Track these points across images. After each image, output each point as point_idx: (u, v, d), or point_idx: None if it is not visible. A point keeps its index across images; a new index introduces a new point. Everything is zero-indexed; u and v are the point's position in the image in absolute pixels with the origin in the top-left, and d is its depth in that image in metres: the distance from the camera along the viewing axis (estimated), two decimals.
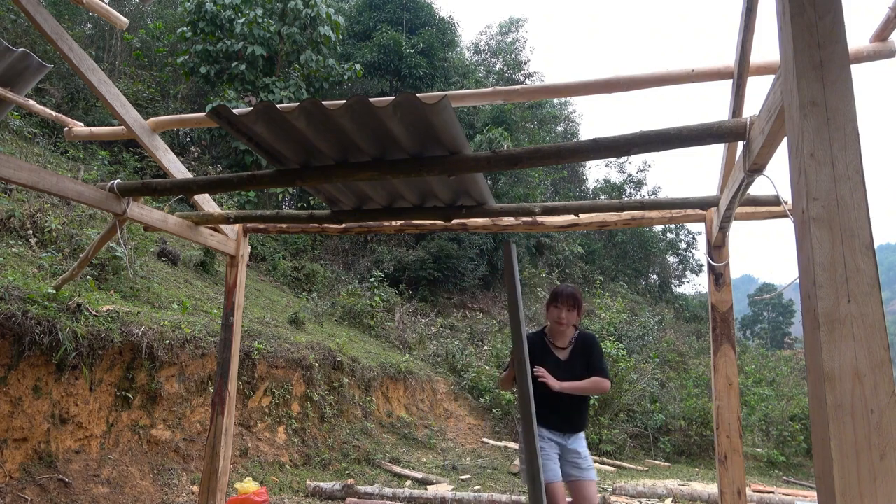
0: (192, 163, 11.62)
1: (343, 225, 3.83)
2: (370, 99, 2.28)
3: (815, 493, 6.12)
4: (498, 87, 3.08)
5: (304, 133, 2.50)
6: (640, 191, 23.95)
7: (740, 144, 2.32)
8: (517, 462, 7.96)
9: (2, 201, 6.17)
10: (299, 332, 8.26)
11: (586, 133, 37.02)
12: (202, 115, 3.29)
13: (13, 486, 4.04)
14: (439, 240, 14.46)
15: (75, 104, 11.23)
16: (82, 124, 3.96)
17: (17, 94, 3.45)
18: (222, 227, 4.19)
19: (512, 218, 3.65)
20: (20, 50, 3.31)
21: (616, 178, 24.58)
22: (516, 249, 3.12)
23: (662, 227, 23.27)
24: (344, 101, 2.28)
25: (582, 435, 3.37)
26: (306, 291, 12.11)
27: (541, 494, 2.79)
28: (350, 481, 6.29)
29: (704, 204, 3.21)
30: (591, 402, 7.69)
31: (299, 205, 15.21)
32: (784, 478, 9.86)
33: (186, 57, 13.52)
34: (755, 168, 2.13)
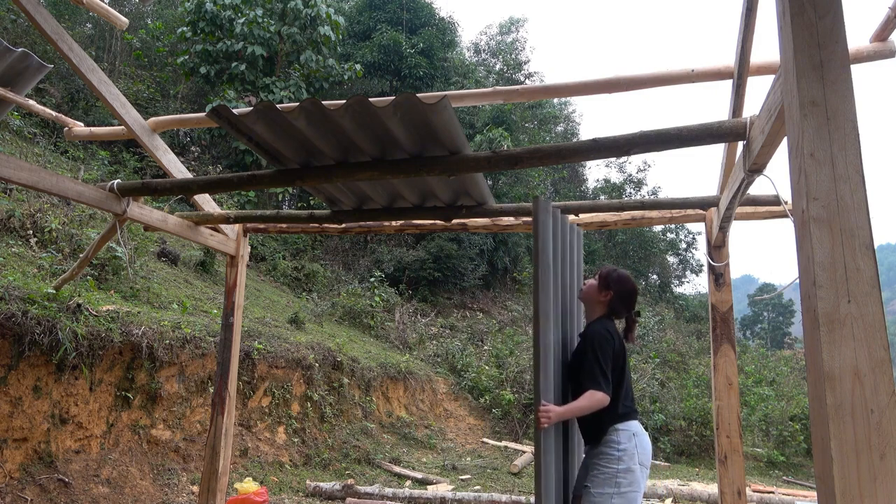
0: (192, 163, 11.62)
1: (343, 225, 3.83)
2: (370, 99, 2.28)
3: (815, 493, 6.12)
4: (498, 87, 3.08)
5: (304, 133, 2.50)
6: (640, 191, 23.94)
7: (740, 144, 2.32)
8: (517, 462, 7.97)
9: (2, 201, 6.17)
10: (299, 332, 8.26)
11: (586, 133, 37.04)
12: (202, 115, 3.29)
13: (13, 486, 4.04)
14: (439, 240, 14.46)
15: (75, 104, 11.23)
16: (82, 124, 3.97)
17: (17, 94, 3.46)
18: (222, 227, 4.19)
19: (512, 218, 3.65)
20: (20, 50, 3.31)
21: (616, 178, 24.57)
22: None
23: (662, 227, 23.28)
24: (344, 101, 2.28)
25: (599, 451, 2.62)
26: (306, 291, 12.11)
27: (543, 494, 2.45)
28: (350, 481, 6.29)
29: (704, 204, 3.21)
30: None
31: (299, 205, 15.21)
32: (784, 478, 9.86)
33: (186, 57, 13.52)
34: (755, 168, 2.13)
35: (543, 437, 2.48)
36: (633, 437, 2.61)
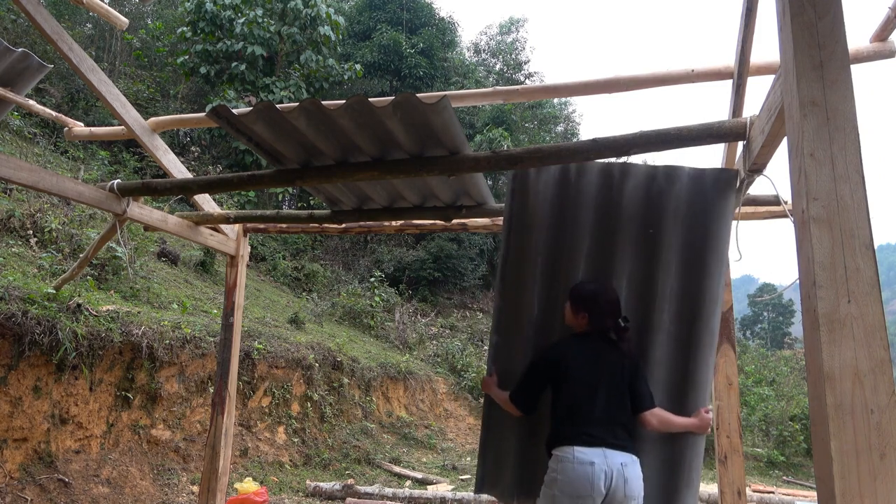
0: (192, 163, 11.62)
1: (343, 225, 3.83)
2: (370, 99, 2.28)
3: (815, 493, 6.12)
4: (498, 87, 3.08)
5: (304, 133, 2.50)
6: None
7: (740, 144, 2.32)
8: None
9: (2, 201, 6.17)
10: (299, 332, 8.26)
11: (586, 133, 37.02)
12: (202, 115, 3.29)
13: (13, 486, 4.04)
14: (439, 240, 14.47)
15: (75, 104, 11.23)
16: (82, 124, 3.96)
17: (17, 94, 3.46)
18: (222, 227, 4.18)
19: None
20: (20, 50, 3.32)
21: None
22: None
23: None
24: (344, 101, 2.27)
25: None
26: (306, 291, 12.11)
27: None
28: (350, 481, 6.29)
29: None
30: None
31: (299, 205, 15.20)
32: (784, 478, 9.86)
33: (186, 57, 13.52)
34: (755, 168, 2.14)
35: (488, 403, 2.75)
36: (560, 463, 2.32)
